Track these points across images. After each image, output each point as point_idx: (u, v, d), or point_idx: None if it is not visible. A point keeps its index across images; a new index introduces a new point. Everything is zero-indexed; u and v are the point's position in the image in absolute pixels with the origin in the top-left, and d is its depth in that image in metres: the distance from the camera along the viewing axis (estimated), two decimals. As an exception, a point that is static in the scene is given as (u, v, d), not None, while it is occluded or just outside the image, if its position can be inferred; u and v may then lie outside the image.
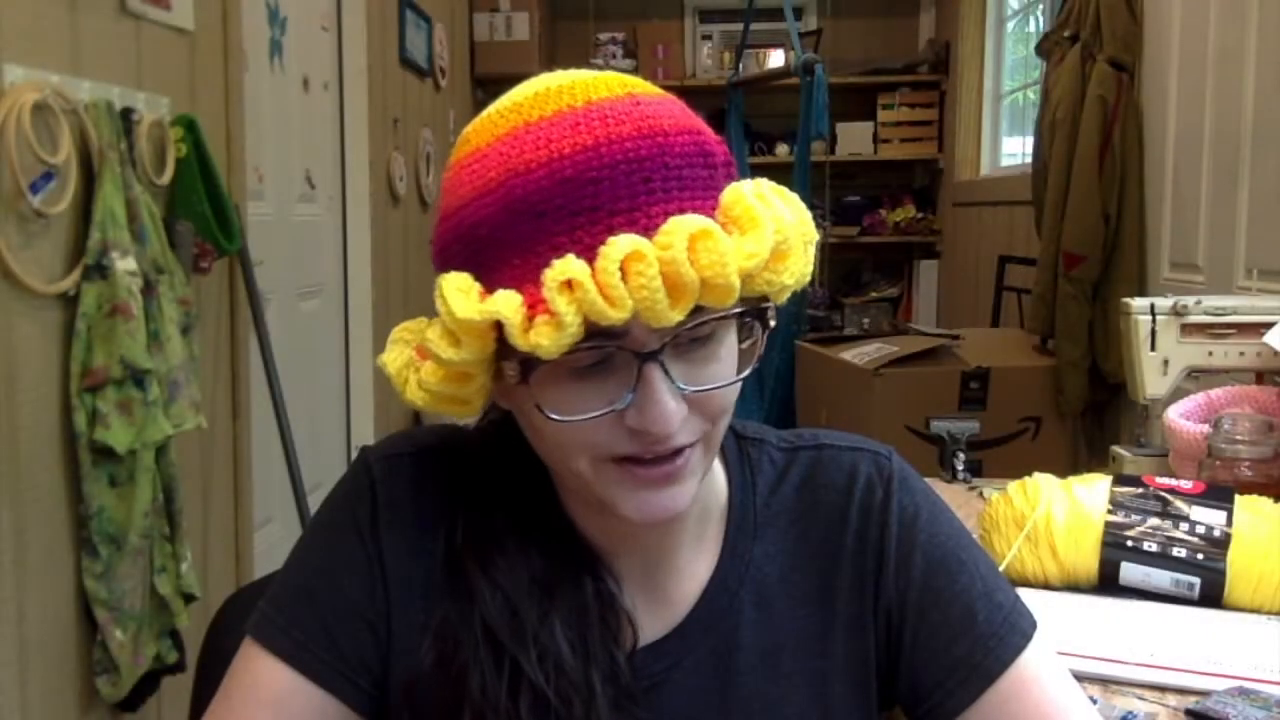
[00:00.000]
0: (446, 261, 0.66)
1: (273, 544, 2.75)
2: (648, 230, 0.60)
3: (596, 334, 0.61)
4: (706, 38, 5.67)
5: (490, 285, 0.63)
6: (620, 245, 0.59)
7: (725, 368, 0.67)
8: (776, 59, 5.49)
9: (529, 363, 0.63)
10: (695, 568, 0.76)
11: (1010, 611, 0.76)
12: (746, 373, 0.68)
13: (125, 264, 1.73)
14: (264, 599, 0.76)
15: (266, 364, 2.49)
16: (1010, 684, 0.74)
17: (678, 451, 0.66)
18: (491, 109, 0.68)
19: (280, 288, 2.95)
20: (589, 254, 0.60)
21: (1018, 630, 0.75)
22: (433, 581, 0.73)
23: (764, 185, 0.66)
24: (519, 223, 0.62)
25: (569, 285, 0.59)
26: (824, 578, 0.77)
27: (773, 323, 0.68)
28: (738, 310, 0.65)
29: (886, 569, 0.76)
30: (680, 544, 0.76)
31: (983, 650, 0.74)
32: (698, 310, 0.62)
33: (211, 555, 2.27)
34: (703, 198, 0.63)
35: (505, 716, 0.68)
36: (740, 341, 0.69)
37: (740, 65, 4.99)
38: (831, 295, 5.31)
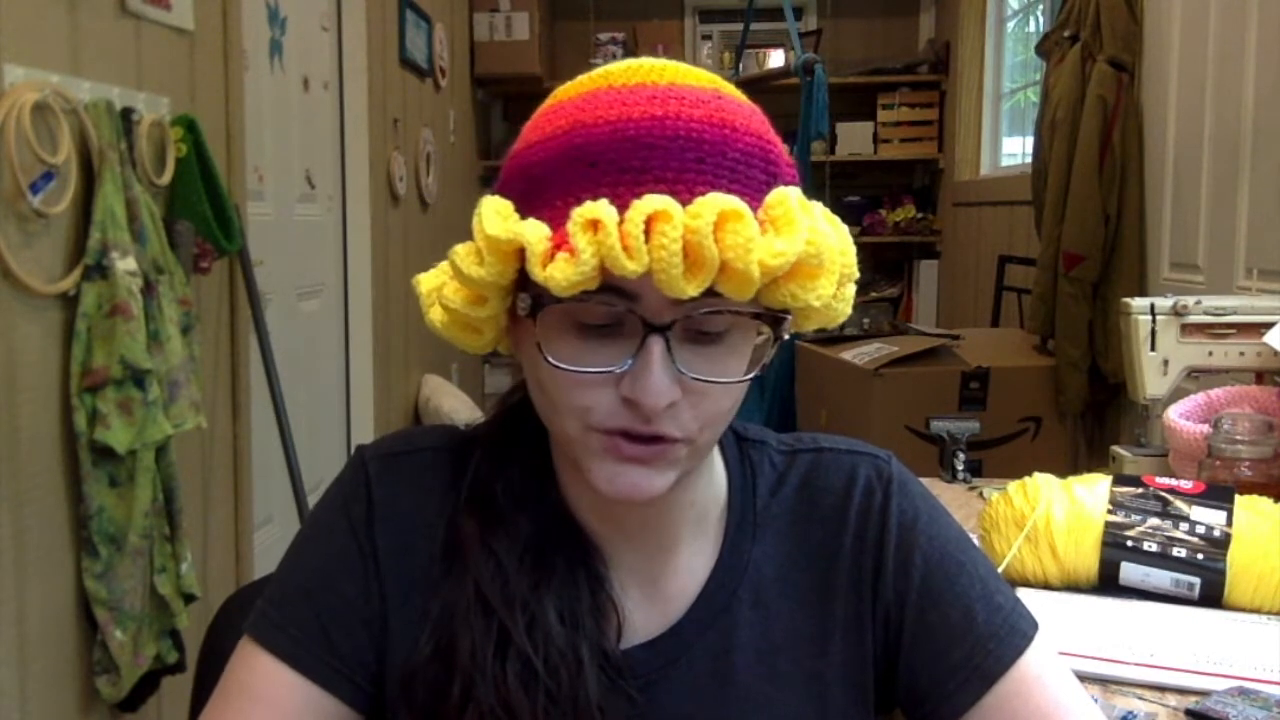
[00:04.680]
0: (502, 197, 0.67)
1: (273, 544, 2.75)
2: (685, 203, 0.61)
3: (612, 290, 0.62)
4: (706, 38, 5.67)
5: (529, 218, 0.64)
6: (651, 202, 0.60)
7: (731, 372, 0.67)
8: (776, 59, 5.49)
9: (541, 300, 0.64)
10: (694, 566, 0.77)
11: (1010, 613, 0.76)
12: (748, 378, 0.68)
13: (125, 264, 1.73)
14: (261, 598, 0.77)
15: (266, 364, 2.49)
16: (1011, 685, 0.73)
17: (662, 439, 0.66)
18: (587, 73, 0.69)
19: (280, 288, 2.95)
20: (624, 208, 0.61)
21: (1018, 631, 0.75)
22: (429, 576, 0.74)
23: (817, 206, 0.67)
24: (571, 168, 0.63)
25: (593, 226, 0.60)
26: (823, 579, 0.77)
27: (786, 336, 0.68)
28: (753, 311, 0.65)
29: (885, 571, 0.76)
30: (677, 540, 0.76)
31: (982, 652, 0.74)
32: (714, 297, 0.63)
33: (211, 555, 2.27)
34: (752, 195, 0.63)
35: (493, 683, 0.68)
36: (753, 352, 0.69)
37: (740, 65, 4.98)
38: (831, 295, 5.30)
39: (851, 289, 0.70)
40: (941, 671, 0.74)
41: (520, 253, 0.63)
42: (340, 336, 3.56)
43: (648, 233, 0.60)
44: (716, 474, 0.78)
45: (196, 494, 2.18)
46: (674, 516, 0.75)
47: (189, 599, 1.92)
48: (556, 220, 0.62)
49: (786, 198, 0.63)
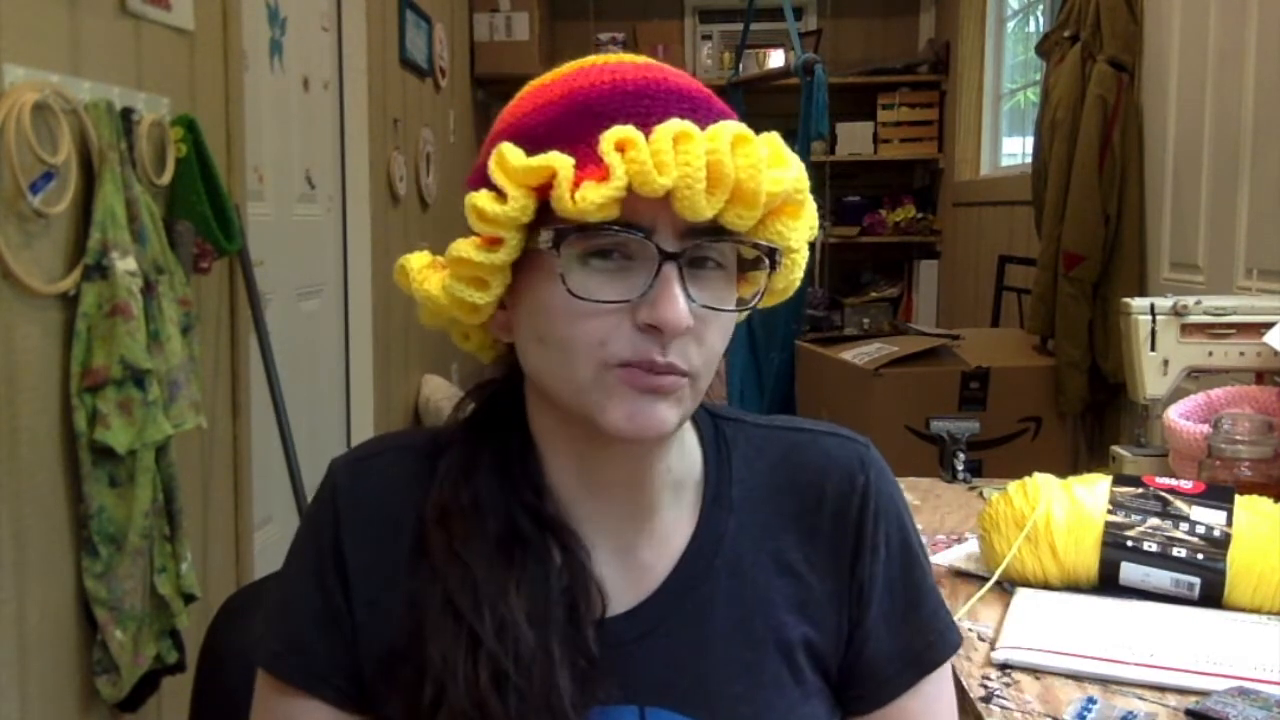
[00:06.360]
0: (483, 175, 0.69)
1: (273, 544, 2.75)
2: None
3: (627, 225, 0.66)
4: (706, 38, 5.67)
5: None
6: (674, 124, 0.65)
7: (727, 304, 0.71)
8: (776, 59, 5.49)
9: (563, 232, 0.67)
10: (671, 535, 0.78)
11: (946, 614, 0.81)
12: (738, 311, 0.73)
13: (125, 264, 1.73)
14: (260, 618, 0.80)
15: (266, 364, 2.49)
16: (936, 683, 0.79)
17: (673, 373, 0.69)
18: (564, 65, 0.74)
19: (280, 288, 2.95)
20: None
21: (952, 633, 0.81)
22: (400, 569, 0.75)
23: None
24: (576, 121, 0.68)
25: (623, 146, 0.65)
26: (800, 552, 0.78)
27: (780, 266, 0.73)
28: (753, 242, 0.70)
29: (864, 550, 0.78)
30: (655, 507, 0.77)
31: (923, 643, 0.79)
32: (720, 231, 0.68)
33: (211, 555, 2.27)
34: None
35: (466, 685, 0.69)
36: (741, 290, 0.74)
37: (740, 65, 4.98)
38: (831, 295, 5.31)
39: (806, 253, 0.76)
40: (882, 655, 0.78)
41: (536, 190, 0.66)
42: (340, 336, 3.56)
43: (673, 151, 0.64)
44: (690, 446, 0.80)
45: (196, 494, 2.18)
46: (653, 480, 0.76)
47: (189, 599, 1.92)
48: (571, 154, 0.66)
49: (776, 137, 0.70)
